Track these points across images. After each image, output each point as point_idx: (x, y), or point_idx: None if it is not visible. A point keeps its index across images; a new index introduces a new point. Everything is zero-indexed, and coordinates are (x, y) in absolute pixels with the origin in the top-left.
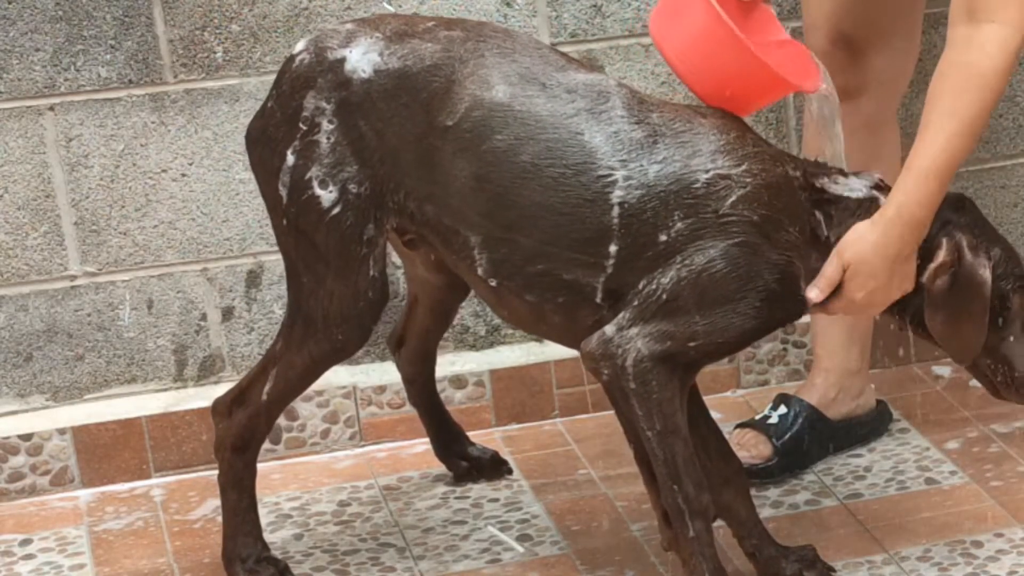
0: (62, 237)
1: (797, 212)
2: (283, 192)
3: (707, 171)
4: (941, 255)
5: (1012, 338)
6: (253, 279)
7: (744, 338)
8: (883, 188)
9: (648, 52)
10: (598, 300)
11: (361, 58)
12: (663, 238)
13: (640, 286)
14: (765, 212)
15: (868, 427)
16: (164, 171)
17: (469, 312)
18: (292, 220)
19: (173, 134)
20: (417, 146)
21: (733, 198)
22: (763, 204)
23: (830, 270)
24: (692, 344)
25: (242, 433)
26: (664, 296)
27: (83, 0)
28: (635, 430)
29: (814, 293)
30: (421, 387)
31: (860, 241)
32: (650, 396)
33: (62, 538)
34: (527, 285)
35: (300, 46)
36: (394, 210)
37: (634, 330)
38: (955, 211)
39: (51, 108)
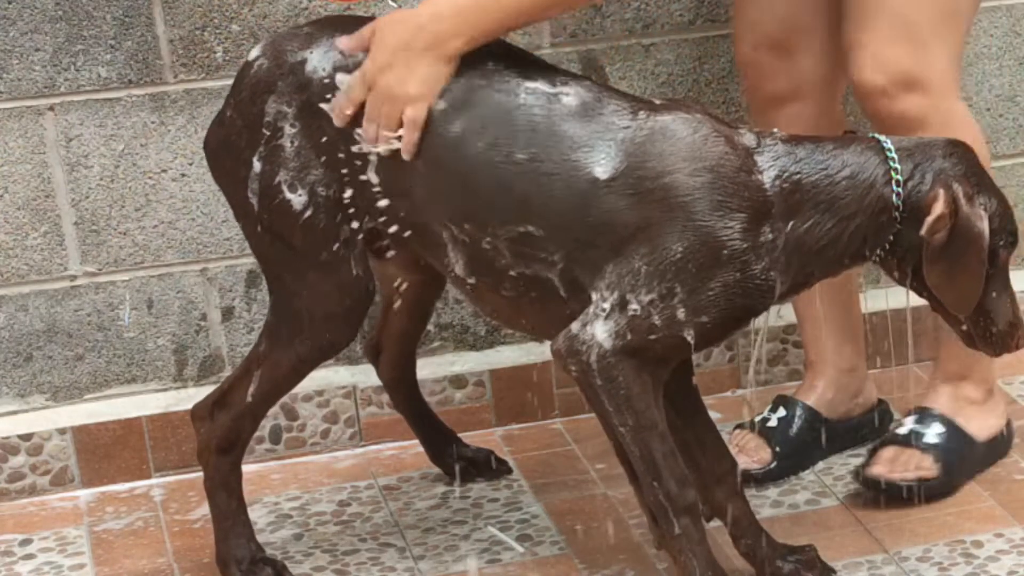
0: (62, 237)
1: (736, 182)
2: (254, 199)
3: (647, 160)
4: (939, 207)
5: (994, 293)
6: (253, 279)
7: (707, 330)
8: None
9: (648, 52)
10: (563, 294)
11: (323, 58)
12: (615, 232)
13: (597, 281)
14: (707, 190)
15: (868, 426)
16: (164, 171)
17: (469, 312)
18: (267, 226)
19: (173, 134)
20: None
21: (673, 181)
22: (706, 184)
23: (365, 29)
24: (652, 337)
25: (227, 435)
26: (617, 291)
27: (83, 0)
28: (611, 427)
29: (340, 42)
30: (405, 391)
31: (395, 12)
32: (618, 392)
33: (62, 538)
34: (501, 281)
35: (256, 52)
36: (368, 210)
37: (596, 325)
38: (948, 158)
39: (51, 108)
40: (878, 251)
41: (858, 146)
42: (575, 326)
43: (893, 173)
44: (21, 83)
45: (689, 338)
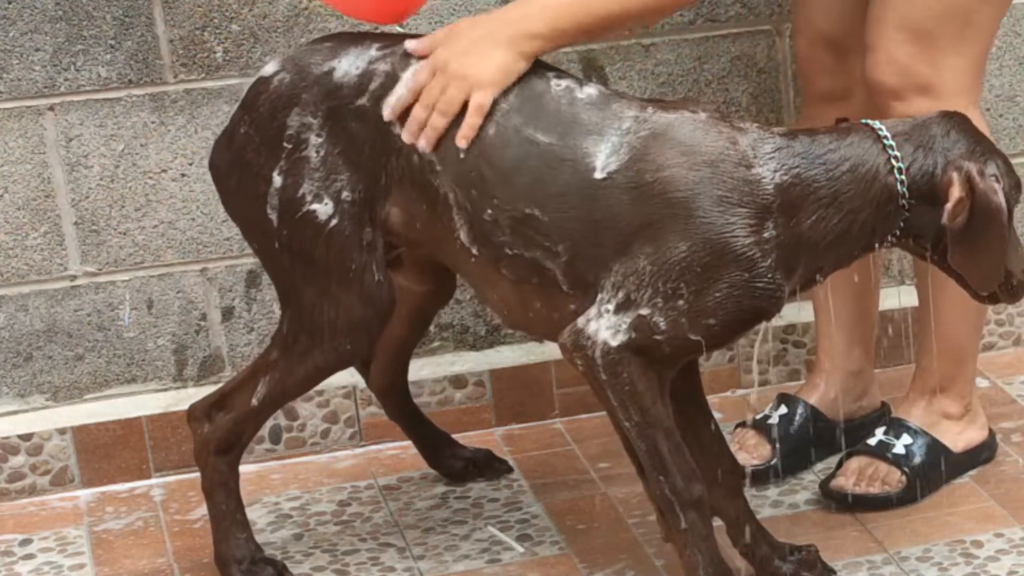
0: (62, 237)
1: (736, 177)
2: (273, 215)
3: (653, 162)
4: (955, 192)
5: (1010, 248)
6: (253, 279)
7: (715, 332)
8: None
9: (648, 52)
10: (565, 288)
11: (353, 62)
12: (618, 229)
13: (604, 280)
14: (707, 185)
15: (870, 428)
16: (164, 171)
17: (469, 312)
18: (286, 241)
19: (173, 134)
20: None
21: (672, 176)
22: (705, 179)
23: (438, 32)
24: (658, 337)
25: (227, 436)
26: (623, 290)
27: (83, 0)
28: (617, 421)
29: (410, 44)
30: (398, 398)
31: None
32: (622, 388)
33: (62, 538)
34: (500, 257)
35: (273, 68)
36: (386, 190)
37: (602, 322)
38: (947, 136)
39: (51, 108)
40: (888, 237)
41: (854, 136)
42: (580, 321)
43: (894, 161)
44: (21, 83)
45: (697, 339)
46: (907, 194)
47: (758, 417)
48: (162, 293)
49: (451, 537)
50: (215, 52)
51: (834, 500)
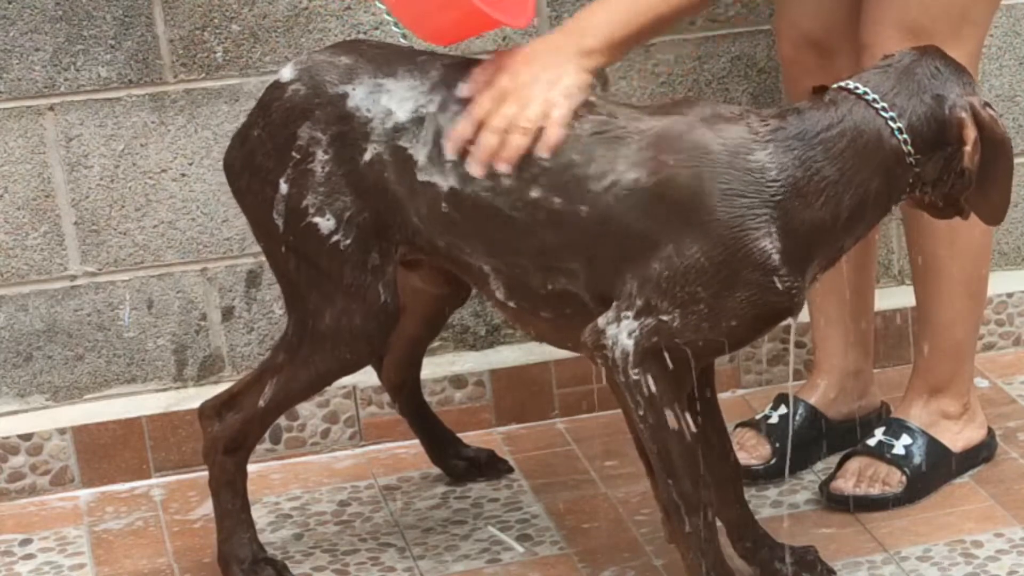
0: (62, 237)
1: (738, 169)
2: (279, 221)
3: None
4: (971, 132)
5: None
6: (253, 279)
7: (736, 333)
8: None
9: (648, 52)
10: (593, 308)
11: (366, 98)
12: (628, 237)
13: (618, 286)
14: (710, 183)
15: (869, 428)
16: (164, 171)
17: (469, 312)
18: (292, 247)
19: (173, 134)
20: (423, 191)
21: (674, 178)
22: (704, 175)
23: (489, 68)
24: (678, 340)
25: (235, 436)
26: (641, 296)
27: (83, 0)
28: (632, 421)
29: (464, 89)
30: (409, 394)
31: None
32: (640, 390)
33: (62, 538)
34: (537, 302)
35: (289, 75)
36: (402, 241)
37: (623, 324)
38: (935, 77)
39: (51, 108)
40: (902, 196)
41: (843, 108)
42: (601, 321)
43: (891, 124)
44: (21, 83)
45: (719, 341)
46: (912, 151)
47: (758, 417)
48: (162, 293)
49: (451, 537)
50: (215, 52)
51: (834, 502)
